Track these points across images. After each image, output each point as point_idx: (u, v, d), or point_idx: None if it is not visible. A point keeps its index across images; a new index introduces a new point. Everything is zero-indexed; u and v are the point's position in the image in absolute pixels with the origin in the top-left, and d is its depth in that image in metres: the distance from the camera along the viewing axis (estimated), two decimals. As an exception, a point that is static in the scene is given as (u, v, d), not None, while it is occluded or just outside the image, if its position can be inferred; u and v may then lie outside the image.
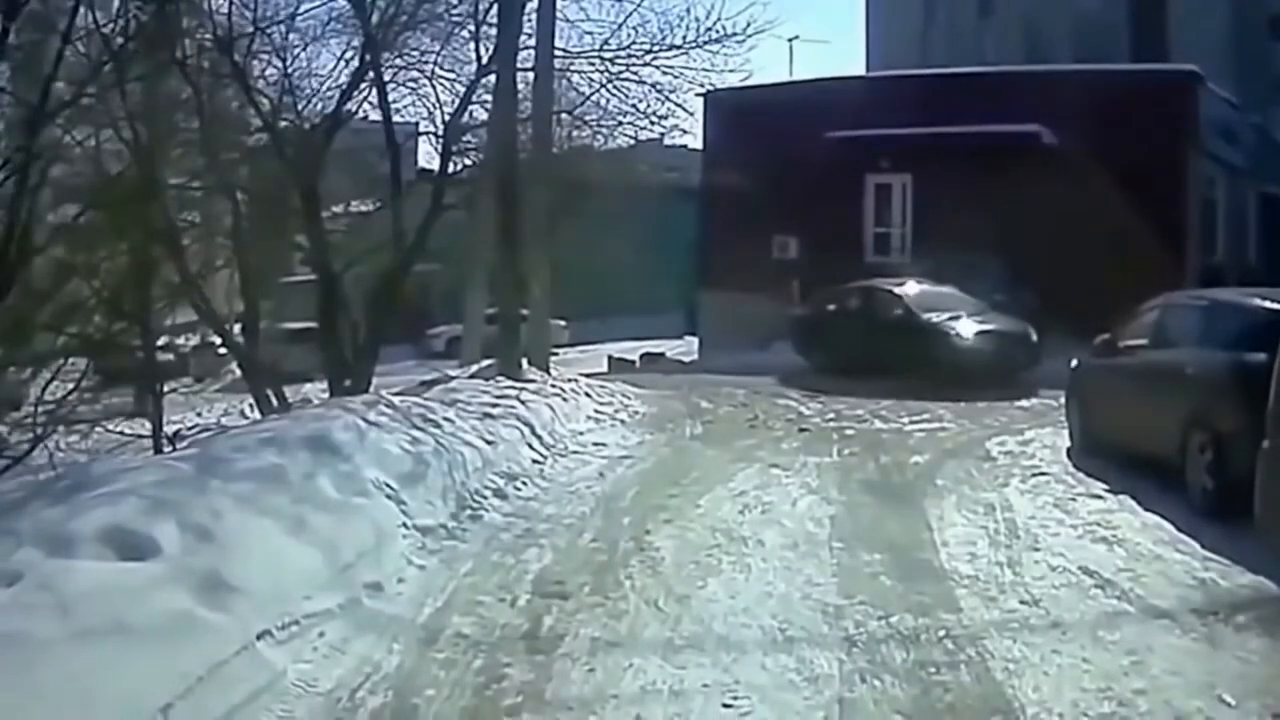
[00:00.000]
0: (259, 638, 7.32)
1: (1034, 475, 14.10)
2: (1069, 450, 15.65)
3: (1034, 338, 24.11)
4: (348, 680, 7.26)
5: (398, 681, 7.31)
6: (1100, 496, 12.66)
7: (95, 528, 7.92)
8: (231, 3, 22.50)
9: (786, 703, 6.94)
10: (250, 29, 23.01)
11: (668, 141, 34.42)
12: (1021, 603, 8.87)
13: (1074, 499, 12.64)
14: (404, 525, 10.59)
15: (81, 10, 17.26)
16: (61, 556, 7.42)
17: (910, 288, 25.76)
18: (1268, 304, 12.01)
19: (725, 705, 6.92)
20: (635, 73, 26.38)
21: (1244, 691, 6.94)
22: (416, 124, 30.11)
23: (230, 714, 6.47)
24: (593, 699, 7.06)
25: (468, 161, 28.30)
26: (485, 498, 12.44)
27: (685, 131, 35.19)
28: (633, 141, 33.84)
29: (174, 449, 16.46)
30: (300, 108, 24.93)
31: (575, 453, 16.01)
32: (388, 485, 11.12)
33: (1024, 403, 20.78)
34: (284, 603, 7.87)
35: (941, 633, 8.14)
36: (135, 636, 6.61)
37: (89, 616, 6.62)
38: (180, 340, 34.32)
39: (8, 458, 15.04)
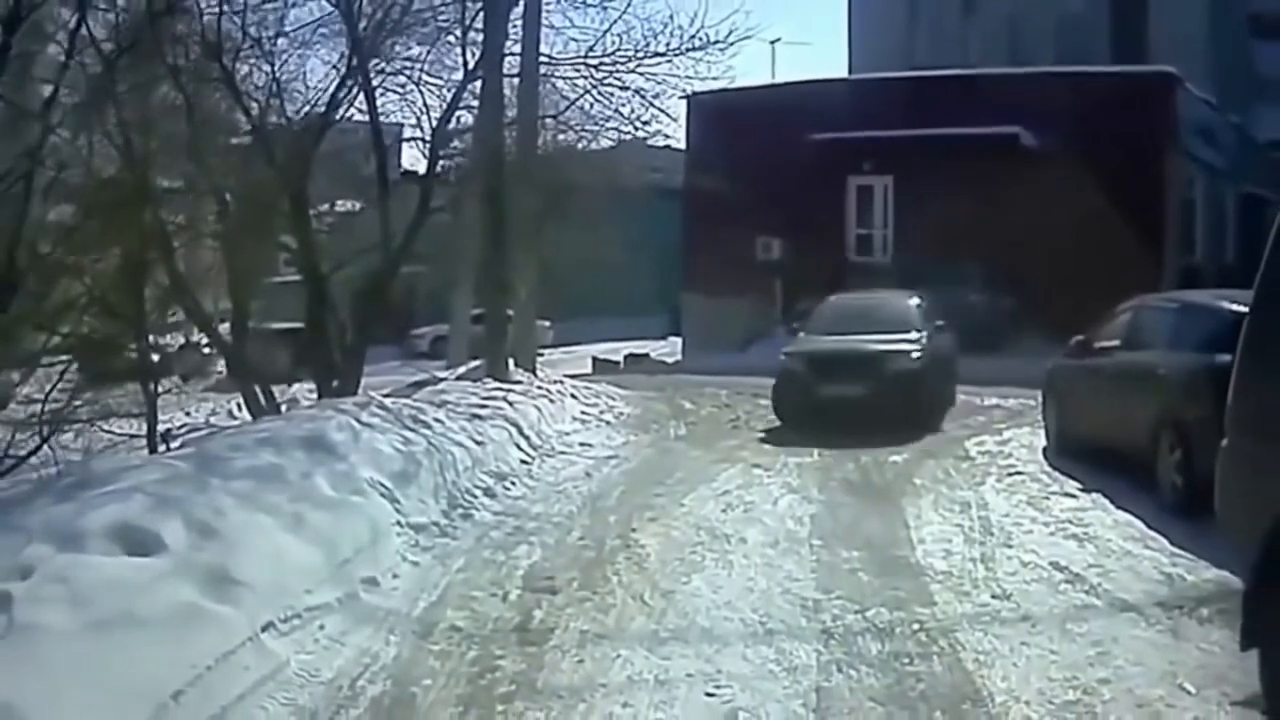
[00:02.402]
0: (263, 629, 7.57)
1: (1010, 474, 14.32)
2: (1045, 450, 15.87)
3: (918, 371, 18.76)
4: (348, 670, 7.52)
5: (395, 672, 7.56)
6: (1073, 495, 12.89)
7: (103, 524, 8.16)
8: (221, 9, 22.66)
9: (766, 691, 7.16)
10: (239, 34, 23.20)
11: (652, 142, 34.40)
12: (993, 597, 9.11)
13: (1048, 497, 12.87)
14: (398, 523, 10.86)
15: (75, 18, 17.53)
16: (71, 551, 7.66)
17: (839, 298, 22.19)
18: (1235, 306, 12.17)
19: (708, 694, 7.14)
20: (619, 79, 26.53)
21: (1204, 680, 7.14)
22: (400, 125, 30.22)
23: (238, 701, 6.72)
24: (582, 688, 7.29)
25: (454, 163, 28.39)
26: (475, 497, 12.71)
27: (669, 136, 35.29)
28: (615, 143, 33.90)
29: (168, 448, 16.65)
30: (289, 112, 25.13)
31: (562, 453, 16.27)
32: (382, 484, 11.38)
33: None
34: (285, 596, 8.13)
35: (915, 626, 8.38)
36: (146, 627, 6.86)
37: (101, 608, 6.87)
38: (165, 340, 34.34)
39: (13, 456, 15.25)
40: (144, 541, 8.06)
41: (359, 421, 13.34)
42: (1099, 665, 7.49)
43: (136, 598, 7.15)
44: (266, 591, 8.01)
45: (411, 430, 13.66)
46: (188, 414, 26.43)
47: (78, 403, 17.09)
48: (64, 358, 18.35)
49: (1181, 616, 8.47)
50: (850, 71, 51.21)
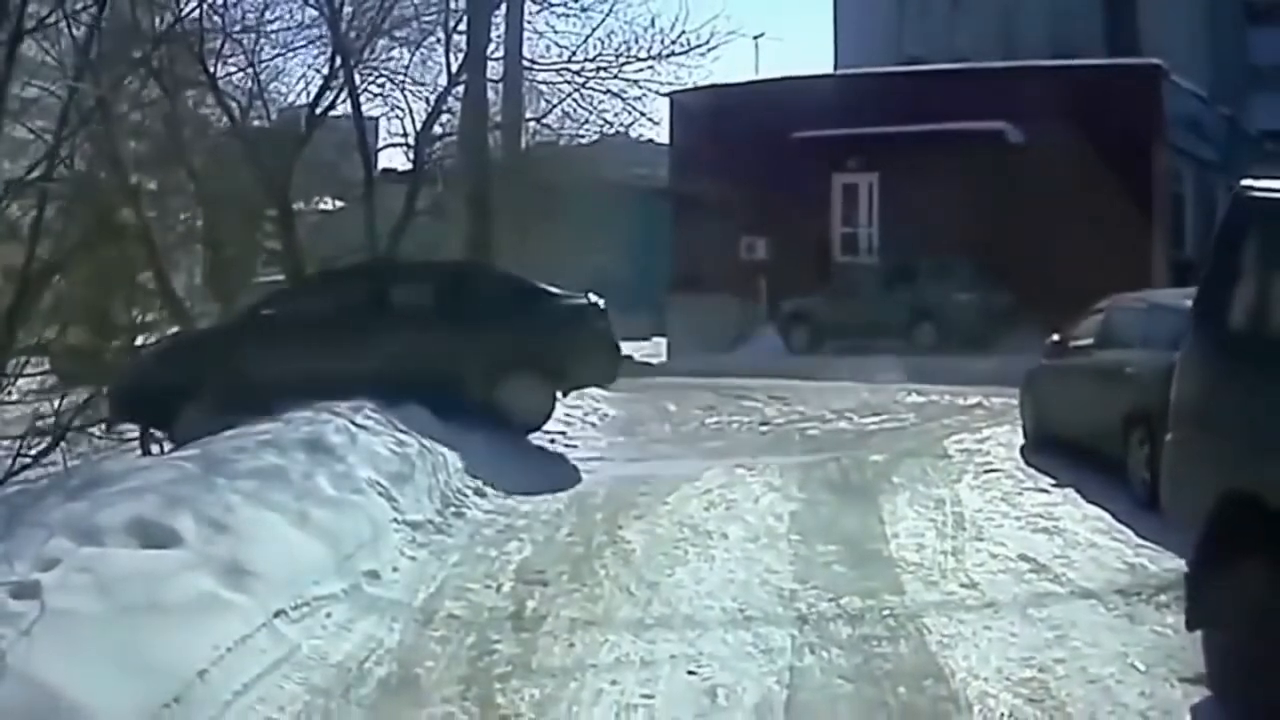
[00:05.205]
0: (276, 616, 8.02)
1: (986, 471, 14.64)
2: (1023, 447, 16.15)
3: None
4: (356, 654, 7.95)
5: (400, 655, 7.99)
6: (1046, 490, 13.25)
7: (120, 520, 8.59)
8: (202, 11, 22.93)
9: (743, 670, 7.57)
10: (220, 36, 23.52)
11: (635, 137, 34.28)
12: (961, 586, 9.51)
13: (1021, 493, 13.21)
14: (395, 520, 11.25)
15: (71, 27, 17.88)
16: (92, 545, 8.07)
17: None
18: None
19: (690, 673, 7.54)
20: (602, 82, 26.78)
21: (1154, 660, 7.54)
22: (376, 120, 30.39)
23: (257, 680, 7.16)
24: (573, 668, 7.73)
25: (439, 164, 28.55)
26: (467, 496, 13.06)
27: (652, 140, 35.39)
28: (598, 138, 33.84)
29: (162, 451, 16.92)
30: (272, 114, 25.45)
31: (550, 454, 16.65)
32: (379, 484, 11.77)
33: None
34: (295, 586, 8.58)
35: (885, 612, 8.79)
36: (169, 613, 7.30)
37: (126, 596, 7.29)
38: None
39: (28, 456, 15.55)
40: (160, 536, 8.49)
41: (354, 424, 13.61)
42: (1056, 646, 7.88)
43: (158, 586, 7.58)
44: (277, 582, 8.45)
45: (403, 433, 13.93)
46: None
47: (84, 403, 17.36)
48: (64, 361, 18.61)
49: (1139, 602, 8.85)
50: (837, 62, 50.81)
